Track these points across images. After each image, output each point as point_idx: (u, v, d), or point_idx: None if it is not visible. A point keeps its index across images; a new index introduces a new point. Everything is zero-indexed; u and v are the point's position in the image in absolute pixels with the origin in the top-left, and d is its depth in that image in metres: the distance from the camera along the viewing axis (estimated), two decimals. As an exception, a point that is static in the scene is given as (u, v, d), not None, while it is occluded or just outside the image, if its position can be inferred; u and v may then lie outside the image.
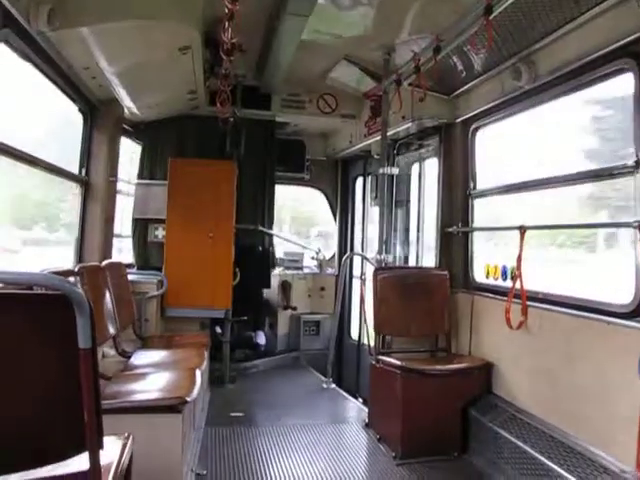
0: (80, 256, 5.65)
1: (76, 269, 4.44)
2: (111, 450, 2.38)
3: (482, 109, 5.38)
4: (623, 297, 3.68)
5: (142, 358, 4.94)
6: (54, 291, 1.93)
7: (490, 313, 5.15)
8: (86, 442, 1.98)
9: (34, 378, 1.97)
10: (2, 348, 1.93)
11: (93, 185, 5.76)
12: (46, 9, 3.72)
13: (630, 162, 3.62)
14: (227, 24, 4.19)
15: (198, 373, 4.21)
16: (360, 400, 7.17)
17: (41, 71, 4.46)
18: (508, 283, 4.86)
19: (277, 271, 8.76)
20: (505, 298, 4.72)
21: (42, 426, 1.98)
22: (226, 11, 4.04)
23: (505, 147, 5.76)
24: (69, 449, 2.00)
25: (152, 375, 4.25)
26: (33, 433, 1.95)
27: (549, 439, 4.06)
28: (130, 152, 7.45)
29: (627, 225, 3.75)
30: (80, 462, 2.03)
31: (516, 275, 4.63)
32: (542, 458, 3.96)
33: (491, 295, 5.20)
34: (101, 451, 2.05)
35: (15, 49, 3.89)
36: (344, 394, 7.06)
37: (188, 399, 3.67)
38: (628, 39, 3.51)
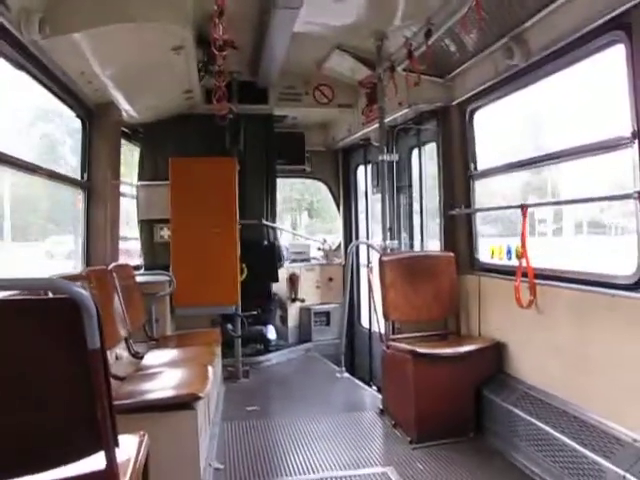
0: (87, 260, 5.69)
1: (84, 273, 4.50)
2: (127, 448, 2.42)
3: (478, 90, 5.36)
4: (627, 268, 3.69)
5: (154, 358, 4.99)
6: (62, 295, 1.97)
7: (497, 293, 5.17)
8: (101, 441, 2.02)
9: (47, 381, 2.01)
10: (14, 353, 1.97)
11: (95, 189, 5.79)
12: (37, 18, 3.76)
13: (627, 134, 3.61)
14: (217, 21, 4.20)
15: (210, 369, 4.25)
16: (374, 387, 7.23)
17: (36, 79, 4.49)
18: (513, 262, 4.87)
19: (285, 265, 8.80)
20: (511, 277, 4.73)
21: (58, 427, 2.02)
22: (215, 8, 4.06)
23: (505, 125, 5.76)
24: (85, 449, 2.04)
25: (165, 374, 4.29)
26: (49, 434, 1.99)
27: (562, 414, 4.08)
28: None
29: (627, 197, 3.75)
30: (97, 461, 2.07)
31: (521, 253, 4.64)
32: (556, 433, 3.98)
33: (497, 275, 5.22)
34: (117, 450, 2.09)
35: (9, 59, 3.92)
36: (358, 382, 7.10)
37: (201, 395, 3.71)
38: (617, 11, 3.49)
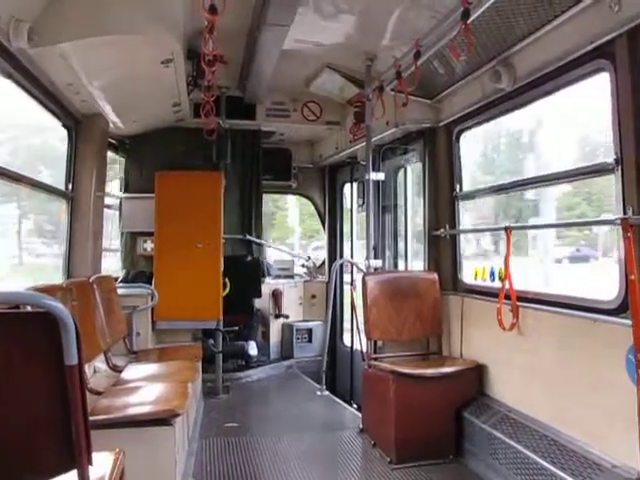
0: (68, 271, 5.63)
1: (64, 285, 4.44)
2: (102, 466, 2.38)
3: (464, 112, 5.42)
4: (608, 294, 3.71)
5: (133, 372, 4.92)
6: (39, 309, 1.94)
7: (480, 315, 5.18)
8: (75, 459, 1.98)
9: (22, 396, 1.97)
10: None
11: (80, 200, 5.73)
12: (26, 27, 3.74)
13: (610, 160, 3.66)
14: (207, 36, 4.20)
15: (190, 385, 4.21)
16: (354, 406, 7.18)
17: (23, 88, 4.45)
18: (496, 284, 4.89)
19: (268, 281, 8.78)
20: (494, 299, 4.74)
21: (31, 443, 1.98)
22: (206, 23, 4.06)
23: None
24: (59, 466, 2.00)
25: (143, 389, 4.23)
26: (22, 450, 1.95)
27: (542, 437, 4.08)
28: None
29: (610, 222, 3.79)
30: (70, 479, 2.03)
31: (505, 275, 4.66)
32: (535, 457, 3.97)
33: (480, 297, 5.22)
34: (91, 467, 2.04)
35: (-4, 68, 3.90)
36: (338, 401, 7.06)
37: (180, 411, 3.67)
38: (603, 40, 3.55)
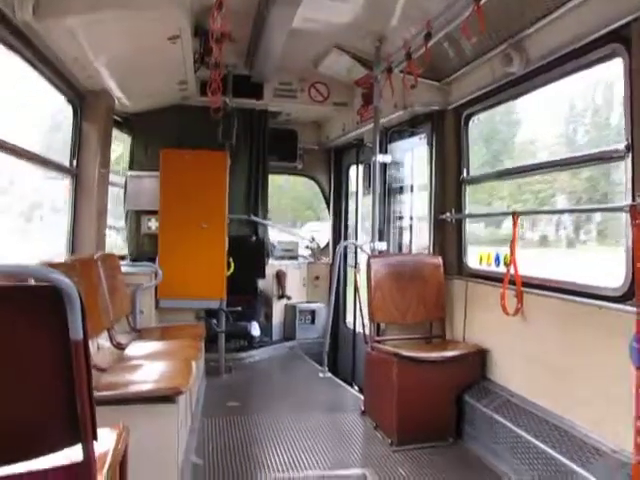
0: (72, 248, 5.63)
1: (68, 261, 4.43)
2: (106, 441, 2.38)
3: (474, 96, 5.36)
4: (614, 281, 3.70)
5: (137, 349, 4.94)
6: (44, 283, 1.93)
7: (484, 299, 5.17)
8: (80, 433, 1.98)
9: (26, 371, 1.96)
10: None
11: (84, 177, 5.72)
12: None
13: (621, 147, 3.62)
14: (216, 13, 4.16)
15: (193, 363, 4.22)
16: (356, 388, 7.21)
17: (28, 62, 4.42)
18: (501, 269, 4.87)
19: (272, 262, 8.79)
20: (499, 284, 4.73)
21: (35, 418, 1.98)
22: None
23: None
24: (63, 441, 2.00)
25: (147, 366, 4.24)
26: (26, 425, 1.95)
27: (542, 422, 4.10)
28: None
29: (619, 209, 3.76)
30: (74, 454, 2.03)
31: (510, 261, 4.64)
32: (536, 441, 3.99)
33: (485, 281, 5.21)
34: (96, 443, 2.05)
35: (1, 41, 3.85)
36: (340, 382, 7.09)
37: (183, 389, 3.68)
38: (617, 24, 3.50)
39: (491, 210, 6.50)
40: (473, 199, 5.64)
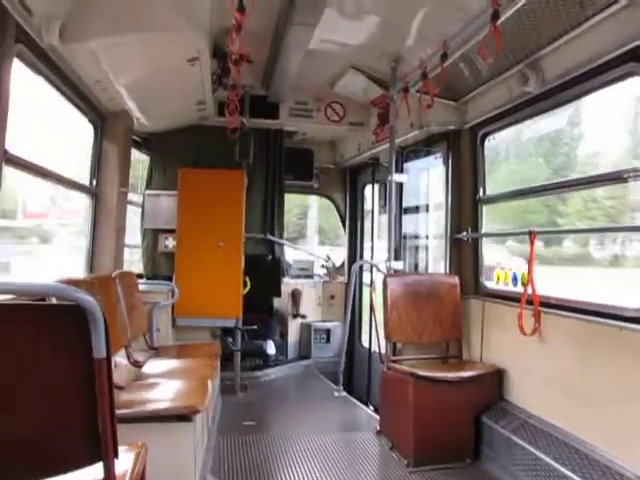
0: (91, 266, 5.68)
1: (88, 279, 4.48)
2: (125, 459, 2.39)
3: (490, 115, 5.38)
4: (635, 301, 3.66)
5: (154, 367, 4.96)
6: (67, 301, 1.95)
7: (501, 319, 5.13)
8: (101, 452, 1.99)
9: (49, 388, 1.98)
10: (17, 359, 1.95)
11: (103, 196, 5.79)
12: (58, 24, 3.79)
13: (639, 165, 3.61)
14: (235, 35, 4.22)
15: (209, 382, 4.22)
16: (371, 408, 7.16)
17: (52, 84, 4.51)
18: (518, 289, 4.84)
19: (287, 280, 8.80)
20: (516, 304, 4.70)
21: (57, 436, 1.99)
22: (234, 22, 4.08)
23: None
24: (85, 459, 2.01)
25: (164, 384, 4.26)
26: (48, 443, 1.97)
27: (562, 445, 4.04)
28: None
29: (638, 229, 3.74)
30: (95, 471, 2.04)
31: (528, 280, 4.61)
32: (556, 464, 3.93)
33: (502, 301, 5.18)
34: (116, 461, 2.06)
35: (28, 64, 3.94)
36: (355, 402, 7.05)
37: (200, 408, 3.68)
38: (634, 44, 3.51)
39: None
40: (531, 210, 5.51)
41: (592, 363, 3.93)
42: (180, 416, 3.63)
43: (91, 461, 2.00)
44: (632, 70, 3.67)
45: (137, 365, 5.05)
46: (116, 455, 2.02)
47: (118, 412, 3.32)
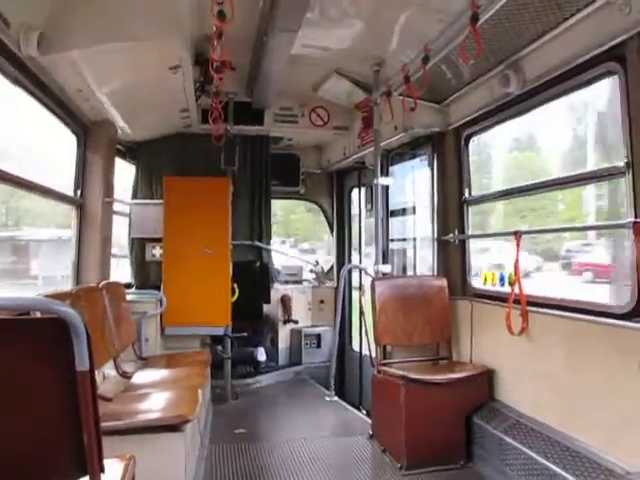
0: (77, 278, 5.64)
1: (73, 291, 4.44)
2: (113, 472, 2.37)
3: (473, 116, 5.40)
4: (621, 298, 3.68)
5: (143, 378, 4.93)
6: (50, 315, 1.94)
7: (489, 319, 5.14)
8: (86, 466, 1.97)
9: (33, 402, 1.97)
10: (0, 374, 1.93)
11: (88, 206, 5.75)
12: (35, 35, 3.75)
13: (621, 164, 3.64)
14: (216, 42, 4.21)
15: (199, 391, 4.20)
16: (364, 412, 7.15)
17: (33, 95, 4.47)
18: (506, 289, 4.86)
19: (276, 286, 8.78)
20: (504, 304, 4.71)
21: (43, 450, 1.97)
22: (214, 29, 4.07)
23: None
24: (70, 473, 1.99)
25: (153, 395, 4.23)
26: (31, 457, 1.94)
27: (553, 443, 4.05)
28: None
29: (621, 226, 3.76)
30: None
31: (514, 280, 4.63)
32: (547, 463, 3.94)
33: (490, 301, 5.20)
34: (102, 475, 2.04)
35: (6, 75, 3.91)
36: (347, 406, 7.04)
37: (190, 418, 3.66)
38: (613, 43, 3.53)
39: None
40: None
41: (580, 361, 3.95)
42: (170, 426, 3.61)
43: (77, 475, 1.99)
44: (611, 69, 3.70)
45: (126, 376, 5.02)
46: (102, 469, 2.00)
47: (106, 424, 3.32)
